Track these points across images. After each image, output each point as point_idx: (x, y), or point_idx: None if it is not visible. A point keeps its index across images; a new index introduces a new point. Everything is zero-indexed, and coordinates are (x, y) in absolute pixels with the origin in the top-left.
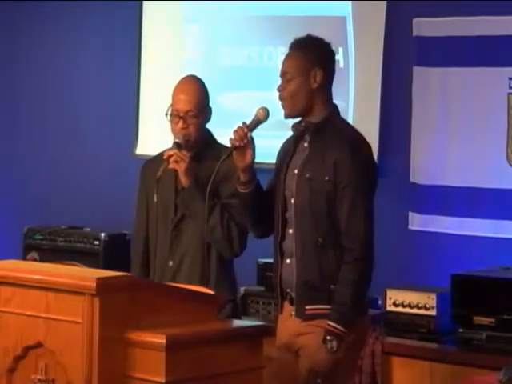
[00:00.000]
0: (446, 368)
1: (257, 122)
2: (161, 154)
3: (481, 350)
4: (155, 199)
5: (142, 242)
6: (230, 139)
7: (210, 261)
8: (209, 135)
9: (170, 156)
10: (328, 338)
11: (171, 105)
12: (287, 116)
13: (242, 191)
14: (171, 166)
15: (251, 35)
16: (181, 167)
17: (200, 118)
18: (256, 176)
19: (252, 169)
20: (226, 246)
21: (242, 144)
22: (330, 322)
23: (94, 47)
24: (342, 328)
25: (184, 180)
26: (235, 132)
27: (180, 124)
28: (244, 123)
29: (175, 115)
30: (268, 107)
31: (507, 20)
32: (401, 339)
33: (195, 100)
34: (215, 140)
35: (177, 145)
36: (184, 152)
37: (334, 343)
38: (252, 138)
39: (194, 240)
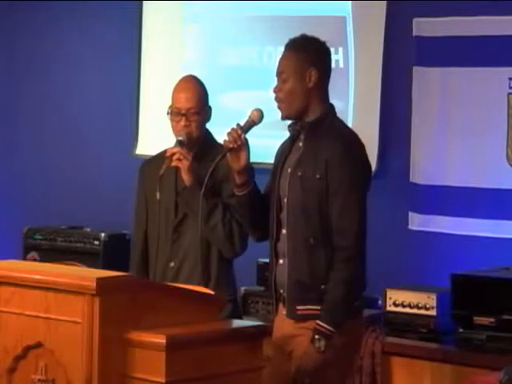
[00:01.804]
0: (446, 368)
1: (251, 124)
2: (160, 154)
3: (481, 350)
4: (158, 197)
5: (141, 241)
6: (224, 141)
7: (211, 261)
8: (209, 135)
9: (172, 154)
10: (316, 337)
11: (171, 105)
12: (284, 117)
13: (237, 193)
14: (174, 163)
15: (251, 35)
16: (184, 165)
17: (201, 116)
18: (252, 178)
19: (247, 171)
20: (227, 244)
21: (235, 146)
22: (318, 322)
23: (94, 47)
24: (330, 328)
25: (186, 178)
26: (229, 134)
27: (182, 122)
28: (238, 125)
29: (176, 113)
30: (267, 107)
31: (507, 20)
32: (401, 339)
33: (196, 98)
34: (215, 140)
35: (180, 143)
36: (186, 150)
37: (322, 343)
38: (246, 140)
39: (194, 241)
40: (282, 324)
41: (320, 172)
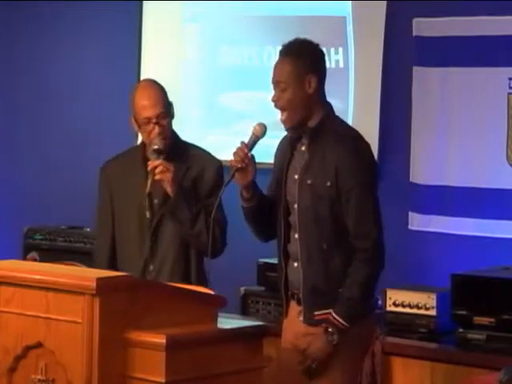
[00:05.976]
0: (446, 368)
1: (255, 140)
2: (125, 155)
3: (481, 350)
4: (148, 215)
5: (108, 246)
6: (231, 161)
7: (190, 262)
8: (175, 134)
9: (154, 167)
10: (330, 330)
11: (134, 115)
12: (289, 128)
13: (246, 206)
14: (157, 177)
15: (251, 35)
16: (168, 177)
17: (169, 117)
18: (258, 189)
19: (254, 184)
20: (211, 247)
21: (243, 165)
22: (334, 315)
23: (93, 47)
24: (343, 322)
25: (170, 190)
26: (235, 154)
27: (156, 129)
28: (243, 143)
29: (147, 123)
30: (267, 107)
31: (507, 20)
32: (401, 339)
33: (161, 100)
34: (181, 140)
35: (158, 152)
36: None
37: (335, 336)
38: (253, 156)
39: (173, 243)
40: (295, 323)
41: (330, 179)
